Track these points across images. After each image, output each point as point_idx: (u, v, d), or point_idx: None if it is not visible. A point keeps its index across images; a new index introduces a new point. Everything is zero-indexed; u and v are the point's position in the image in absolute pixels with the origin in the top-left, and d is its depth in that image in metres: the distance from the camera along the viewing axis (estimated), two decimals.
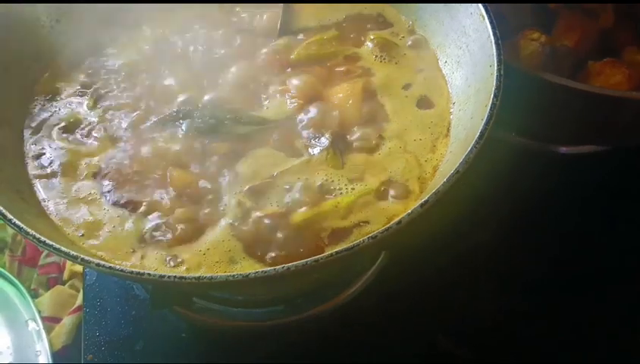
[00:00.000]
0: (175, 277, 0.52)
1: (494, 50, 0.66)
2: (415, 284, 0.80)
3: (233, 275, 0.52)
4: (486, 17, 0.69)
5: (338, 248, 0.58)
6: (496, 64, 0.65)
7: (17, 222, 0.56)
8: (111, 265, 0.54)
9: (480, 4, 0.70)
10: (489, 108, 0.61)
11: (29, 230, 0.56)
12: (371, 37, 0.79)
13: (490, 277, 0.81)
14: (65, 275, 0.89)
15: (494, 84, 0.63)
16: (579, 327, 0.78)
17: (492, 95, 0.62)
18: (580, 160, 0.89)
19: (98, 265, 0.54)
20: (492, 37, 0.67)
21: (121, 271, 0.53)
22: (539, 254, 0.82)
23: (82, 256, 0.54)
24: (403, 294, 0.80)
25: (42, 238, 0.55)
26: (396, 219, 0.56)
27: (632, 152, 0.87)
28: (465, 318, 0.78)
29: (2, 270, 0.89)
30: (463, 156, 0.58)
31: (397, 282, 0.79)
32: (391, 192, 0.66)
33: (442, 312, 0.79)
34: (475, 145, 0.59)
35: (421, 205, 0.55)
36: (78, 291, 0.87)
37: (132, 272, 0.53)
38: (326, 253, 0.53)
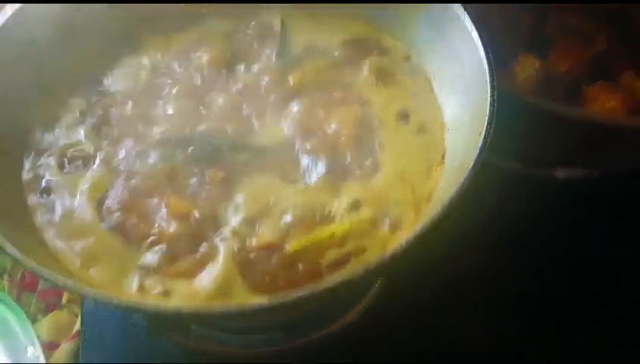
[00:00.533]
0: (172, 308, 0.53)
1: (488, 77, 0.66)
2: (409, 308, 0.80)
3: (229, 307, 0.53)
4: (479, 44, 0.70)
5: (334, 277, 0.59)
6: (489, 91, 0.65)
7: (17, 254, 0.56)
8: (108, 296, 0.54)
9: (474, 32, 0.71)
10: (483, 136, 0.62)
11: (27, 262, 0.56)
12: (368, 64, 0.80)
13: (479, 300, 0.81)
14: (64, 300, 0.90)
15: (488, 112, 0.63)
16: (574, 349, 0.78)
17: (486, 124, 0.62)
18: (573, 183, 0.89)
19: (95, 296, 0.54)
20: (485, 65, 0.67)
21: (118, 302, 0.53)
22: (529, 278, 0.83)
23: (79, 288, 0.54)
24: (398, 318, 0.80)
25: (41, 270, 0.56)
26: (391, 250, 0.56)
27: (626, 175, 0.87)
28: (455, 341, 0.78)
29: (2, 295, 0.89)
30: (457, 186, 0.58)
31: (392, 307, 0.80)
32: (387, 219, 0.67)
33: (435, 336, 0.80)
34: (468, 175, 0.59)
35: (415, 237, 0.56)
36: (76, 316, 0.87)
37: (128, 304, 0.54)
38: (320, 285, 0.54)
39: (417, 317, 0.80)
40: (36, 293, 0.91)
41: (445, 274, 0.81)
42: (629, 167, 0.84)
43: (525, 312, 0.80)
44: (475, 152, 0.60)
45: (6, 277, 0.92)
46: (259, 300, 0.59)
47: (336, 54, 0.82)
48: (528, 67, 0.82)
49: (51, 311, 0.89)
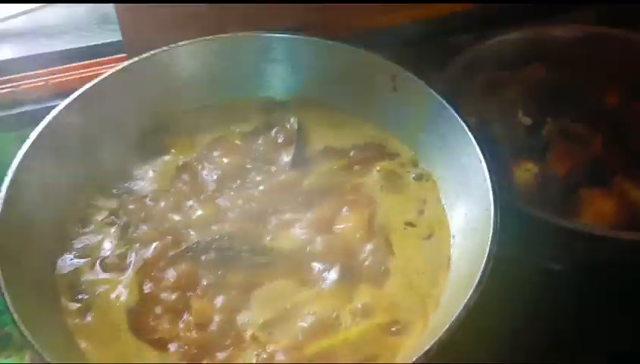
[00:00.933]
0: None
1: (491, 197, 0.71)
2: None
3: None
4: (483, 161, 0.75)
5: None
6: (492, 210, 0.70)
7: None
8: None
9: (477, 147, 0.76)
10: (487, 253, 0.66)
11: None
12: (378, 168, 0.86)
13: None
14: None
15: (491, 231, 0.68)
16: None
17: (489, 242, 0.67)
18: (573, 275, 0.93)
19: None
20: (489, 182, 0.73)
21: None
22: None
23: None
24: None
25: None
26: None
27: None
28: None
29: None
30: (461, 307, 0.63)
31: None
32: (397, 327, 0.71)
33: None
34: (474, 292, 0.64)
35: (426, 354, 0.60)
36: None
37: None
38: None
39: None
40: None
41: None
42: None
43: None
44: (477, 274, 0.65)
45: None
46: None
47: (348, 157, 0.88)
48: (526, 172, 0.87)
49: None
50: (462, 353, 0.74)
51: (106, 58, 1.06)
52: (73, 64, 1.09)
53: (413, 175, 0.86)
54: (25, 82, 1.09)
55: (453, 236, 0.79)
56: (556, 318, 0.90)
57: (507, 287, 0.88)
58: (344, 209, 0.82)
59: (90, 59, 1.08)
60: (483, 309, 0.82)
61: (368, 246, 0.78)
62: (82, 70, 1.06)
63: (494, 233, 0.68)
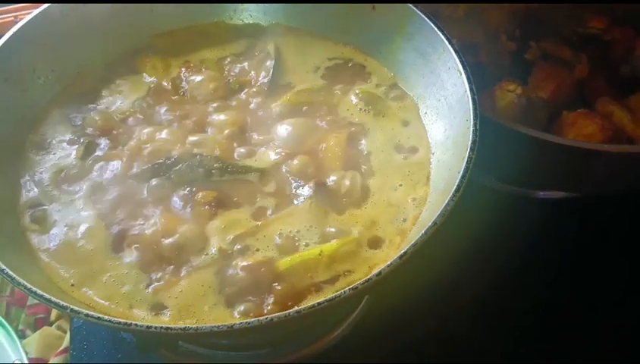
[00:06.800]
0: (162, 328, 0.54)
1: (471, 105, 0.69)
2: (395, 322, 0.82)
3: (218, 326, 0.54)
4: (463, 73, 0.72)
5: (320, 298, 0.60)
6: (472, 119, 0.68)
7: (9, 272, 0.58)
8: (100, 315, 0.55)
9: (458, 59, 0.74)
10: (465, 161, 0.64)
11: (20, 280, 0.58)
12: (357, 91, 0.82)
13: (465, 316, 0.84)
14: (52, 316, 0.90)
15: (470, 138, 0.66)
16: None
17: (468, 150, 0.65)
18: (560, 204, 0.92)
19: (87, 315, 0.55)
20: (469, 92, 0.70)
21: (109, 321, 0.55)
22: (516, 292, 0.86)
23: (71, 307, 0.56)
24: (386, 336, 0.82)
25: (34, 288, 0.57)
26: (377, 270, 0.58)
27: (606, 197, 0.90)
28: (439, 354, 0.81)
29: None
30: (441, 209, 0.60)
31: (380, 324, 0.82)
32: (372, 241, 0.69)
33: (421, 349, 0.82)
34: (451, 198, 0.61)
35: (400, 257, 0.58)
36: (65, 332, 0.88)
37: (120, 323, 0.55)
38: (307, 305, 0.55)
39: (403, 330, 0.82)
40: (25, 309, 0.91)
41: (442, 295, 0.83)
42: (610, 190, 0.86)
43: (513, 327, 0.83)
44: (457, 178, 0.62)
45: None
46: (243, 319, 0.60)
47: (327, 80, 0.84)
48: (509, 93, 0.84)
49: (41, 326, 0.89)
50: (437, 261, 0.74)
51: None
52: None
53: (393, 94, 0.82)
54: None
55: (433, 154, 0.76)
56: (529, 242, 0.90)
57: (485, 210, 0.87)
58: (321, 130, 0.78)
59: None
60: (461, 225, 0.80)
61: (345, 165, 0.75)
62: None
63: (472, 141, 0.65)
